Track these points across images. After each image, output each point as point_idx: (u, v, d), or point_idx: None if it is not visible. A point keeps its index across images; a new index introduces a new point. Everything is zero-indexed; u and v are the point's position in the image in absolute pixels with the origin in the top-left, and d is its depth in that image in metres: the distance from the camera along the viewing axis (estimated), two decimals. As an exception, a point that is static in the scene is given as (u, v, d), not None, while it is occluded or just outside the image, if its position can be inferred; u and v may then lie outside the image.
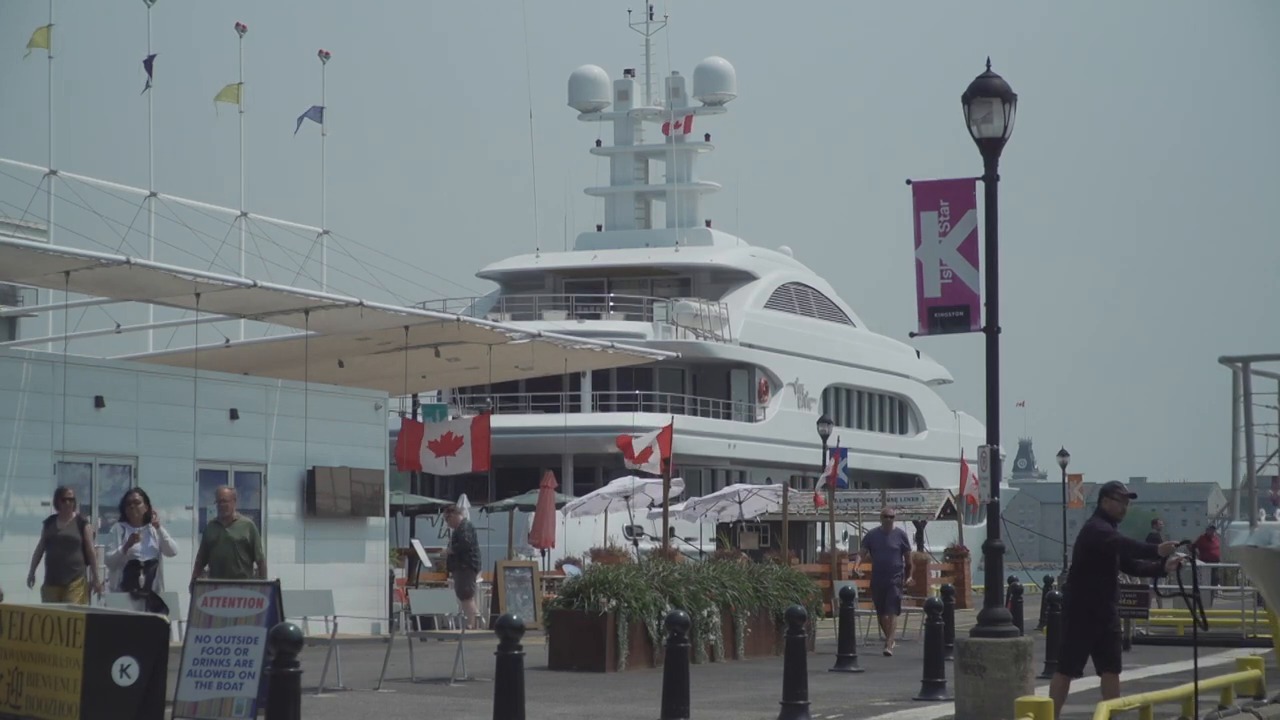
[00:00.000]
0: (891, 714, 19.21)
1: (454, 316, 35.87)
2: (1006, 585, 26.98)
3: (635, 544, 43.36)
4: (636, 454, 35.92)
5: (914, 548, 31.54)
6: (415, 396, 51.60)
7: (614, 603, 23.88)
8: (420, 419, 50.95)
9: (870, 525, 48.31)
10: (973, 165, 17.78)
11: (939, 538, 59.33)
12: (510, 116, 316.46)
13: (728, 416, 66.73)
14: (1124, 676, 24.16)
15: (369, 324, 32.32)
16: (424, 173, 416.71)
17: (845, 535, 55.75)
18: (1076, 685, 22.73)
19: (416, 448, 32.96)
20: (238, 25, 38.63)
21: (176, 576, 22.65)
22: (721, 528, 50.24)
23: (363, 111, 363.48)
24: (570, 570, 37.00)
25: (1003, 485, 22.24)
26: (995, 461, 17.91)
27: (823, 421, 59.97)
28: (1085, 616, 16.69)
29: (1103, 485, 17.07)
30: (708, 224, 75.05)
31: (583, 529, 45.53)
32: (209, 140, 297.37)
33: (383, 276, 67.84)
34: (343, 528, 32.60)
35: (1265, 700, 20.43)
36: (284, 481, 31.54)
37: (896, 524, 29.28)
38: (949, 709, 18.67)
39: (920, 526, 51.39)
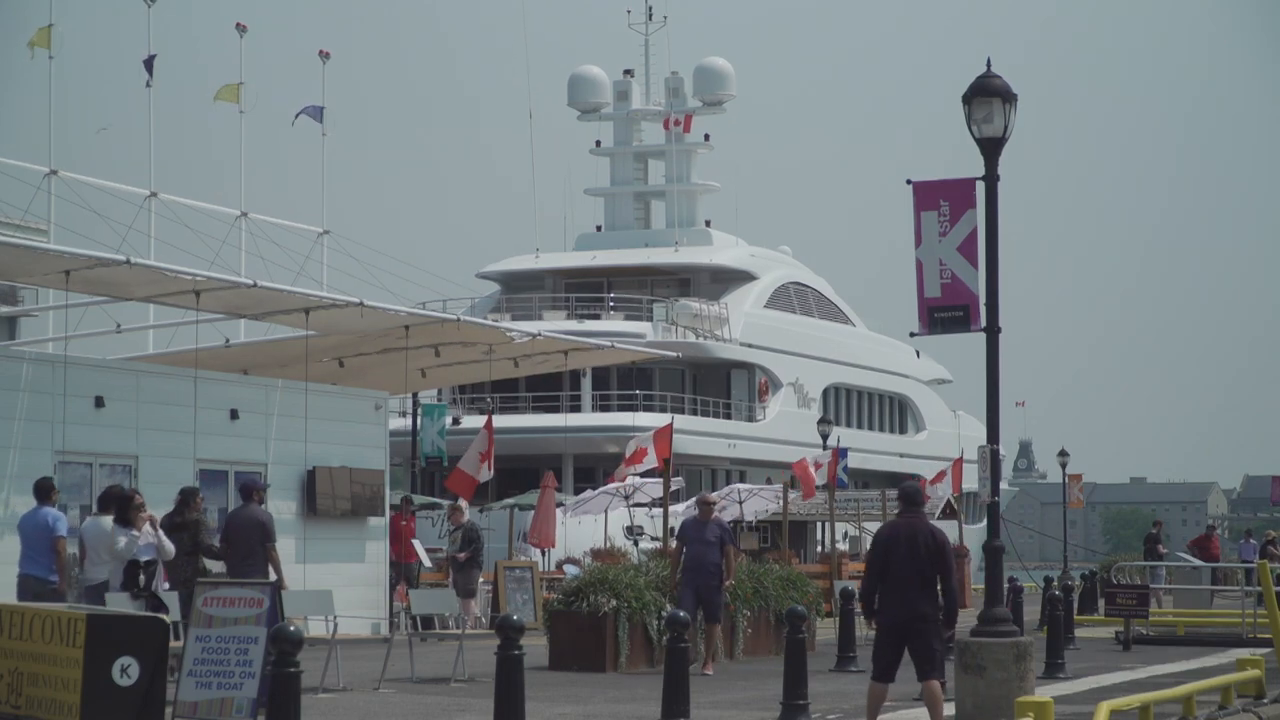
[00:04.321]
0: (891, 714, 19.19)
1: (454, 316, 35.87)
2: (1006, 585, 26.99)
3: (635, 544, 43.33)
4: (629, 455, 35.94)
5: (736, 543, 26.02)
6: (415, 396, 51.58)
7: (614, 603, 23.87)
8: (420, 419, 51.00)
9: (871, 525, 48.51)
10: (973, 165, 17.80)
11: (939, 538, 59.20)
12: (510, 117, 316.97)
13: (728, 416, 66.75)
14: (1124, 676, 24.32)
15: (369, 324, 32.32)
16: (424, 173, 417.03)
17: (845, 535, 55.72)
18: (1077, 685, 22.81)
19: (471, 485, 32.73)
20: (238, 25, 38.67)
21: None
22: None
23: (363, 111, 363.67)
24: (570, 570, 36.98)
25: (1003, 485, 22.19)
26: (995, 461, 17.90)
27: (823, 421, 59.99)
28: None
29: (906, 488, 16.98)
30: (707, 224, 75.08)
31: (583, 529, 45.52)
32: (209, 140, 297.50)
33: (383, 276, 67.80)
34: (343, 528, 32.60)
35: (1265, 700, 20.43)
36: (284, 481, 31.53)
37: (717, 513, 25.05)
38: (949, 709, 18.64)
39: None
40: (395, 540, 34.20)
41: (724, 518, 47.44)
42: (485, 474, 32.23)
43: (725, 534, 24.29)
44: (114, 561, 20.80)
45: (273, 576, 21.56)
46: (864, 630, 30.03)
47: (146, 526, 21.05)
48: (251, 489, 22.75)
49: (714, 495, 26.55)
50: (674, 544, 25.19)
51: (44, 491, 21.04)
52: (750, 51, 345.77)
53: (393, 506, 35.18)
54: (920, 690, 16.81)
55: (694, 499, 25.82)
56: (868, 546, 50.04)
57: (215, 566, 22.72)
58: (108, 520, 20.60)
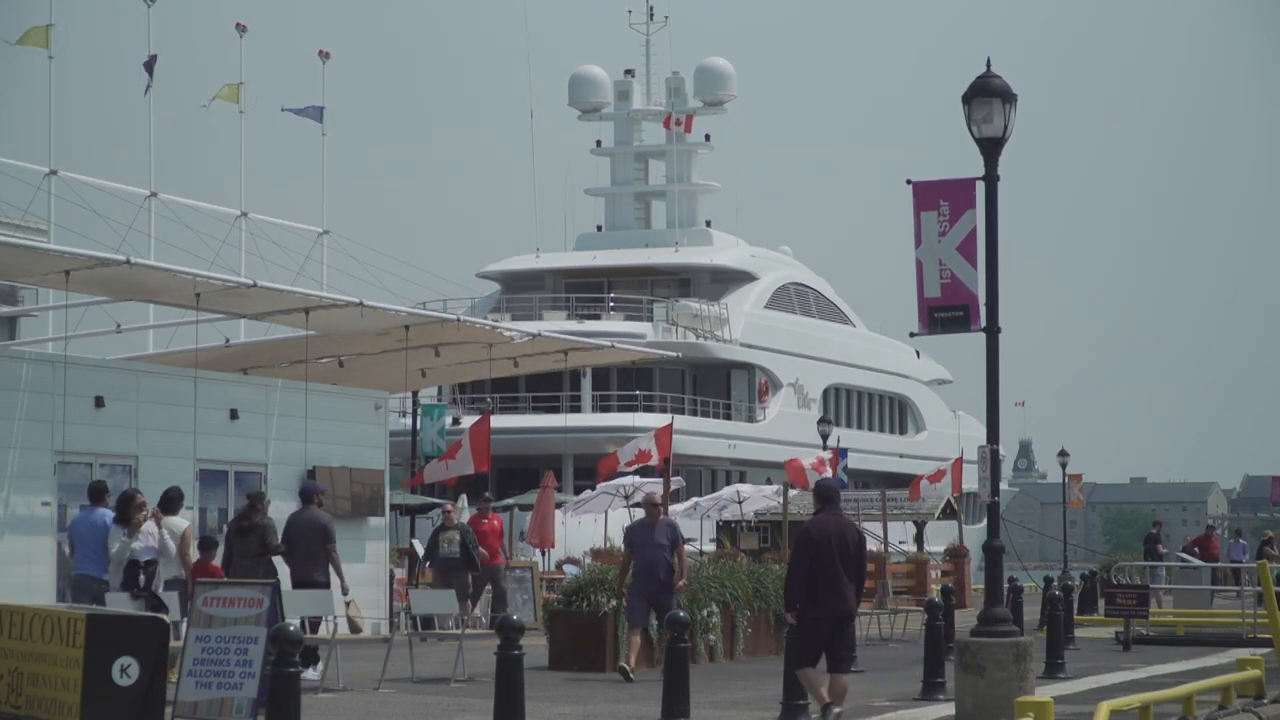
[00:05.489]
0: (892, 714, 19.21)
1: (454, 316, 35.88)
2: (1006, 585, 26.98)
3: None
4: (626, 461, 35.87)
5: (687, 544, 24.29)
6: (415, 396, 51.58)
7: (614, 603, 23.85)
8: (420, 419, 51.01)
9: (871, 526, 48.46)
10: (973, 166, 17.80)
11: (939, 538, 59.34)
12: (510, 116, 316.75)
13: (728, 417, 66.74)
14: (1124, 676, 24.33)
15: (369, 324, 32.32)
16: (424, 173, 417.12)
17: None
18: (1077, 685, 22.82)
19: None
20: (238, 25, 38.65)
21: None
22: (721, 528, 50.23)
23: (363, 111, 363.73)
24: (570, 570, 36.97)
25: (1003, 485, 22.18)
26: (995, 461, 17.90)
27: (823, 421, 59.93)
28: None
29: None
30: (708, 224, 75.09)
31: (583, 529, 45.52)
32: (209, 140, 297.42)
33: (383, 276, 67.79)
34: (343, 528, 32.47)
35: (1265, 700, 20.42)
36: (284, 481, 31.51)
37: (666, 516, 23.79)
38: (949, 709, 18.66)
39: (920, 526, 51.41)
40: (480, 541, 33.61)
41: (724, 517, 47.67)
42: (447, 469, 32.21)
43: (676, 535, 23.13)
44: (112, 564, 21.12)
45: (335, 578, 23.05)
46: (863, 630, 30.09)
47: (149, 524, 21.23)
48: (313, 493, 23.73)
49: (659, 495, 25.17)
50: (625, 551, 23.72)
51: (98, 493, 21.88)
52: (751, 52, 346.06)
53: (471, 506, 35.00)
54: (829, 681, 17.04)
55: (642, 500, 24.84)
56: (868, 547, 49.77)
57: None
58: (173, 521, 21.56)
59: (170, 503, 21.91)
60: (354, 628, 24.25)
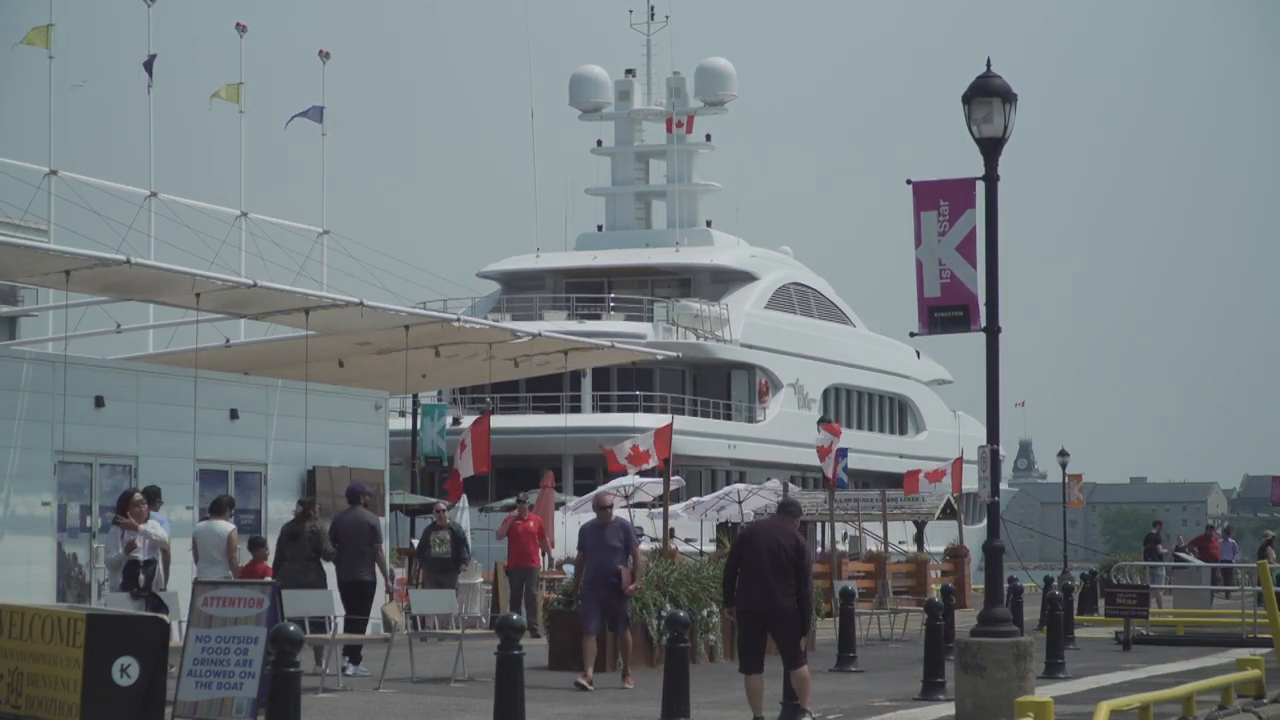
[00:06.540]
0: (891, 714, 19.22)
1: (454, 316, 35.86)
2: (1006, 585, 27.00)
3: (635, 544, 43.16)
4: (624, 457, 35.77)
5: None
6: (415, 396, 51.56)
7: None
8: (420, 419, 50.99)
9: (871, 526, 48.49)
10: (974, 166, 17.81)
11: (939, 538, 59.35)
12: (511, 116, 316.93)
13: (728, 417, 66.73)
14: (1124, 676, 24.33)
15: (369, 324, 32.30)
16: (424, 173, 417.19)
17: (845, 535, 55.76)
18: (1077, 685, 22.83)
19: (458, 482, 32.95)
20: (238, 25, 38.63)
21: (179, 575, 22.74)
22: (721, 528, 50.21)
23: (363, 111, 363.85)
24: (570, 570, 36.89)
25: (1003, 485, 22.21)
26: (995, 461, 17.91)
27: (823, 422, 59.91)
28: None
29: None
30: (708, 224, 75.09)
31: (583, 529, 45.45)
32: (209, 140, 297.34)
33: (383, 276, 67.67)
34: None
35: (1265, 700, 20.44)
36: (284, 481, 31.54)
37: (619, 514, 22.82)
38: (949, 709, 18.67)
39: (920, 526, 51.41)
40: (513, 542, 33.20)
41: (723, 517, 47.62)
42: (465, 470, 32.23)
43: (629, 537, 22.18)
44: (109, 566, 21.25)
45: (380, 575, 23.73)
46: (864, 631, 30.09)
47: (147, 524, 21.31)
48: (359, 494, 24.20)
49: (610, 496, 24.46)
50: (578, 554, 22.76)
51: (220, 507, 23.10)
52: (752, 52, 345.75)
53: (506, 508, 34.94)
54: (790, 678, 17.20)
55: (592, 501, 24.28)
56: (868, 547, 49.82)
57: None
58: (220, 524, 22.56)
59: (218, 506, 22.94)
60: (388, 625, 24.35)
